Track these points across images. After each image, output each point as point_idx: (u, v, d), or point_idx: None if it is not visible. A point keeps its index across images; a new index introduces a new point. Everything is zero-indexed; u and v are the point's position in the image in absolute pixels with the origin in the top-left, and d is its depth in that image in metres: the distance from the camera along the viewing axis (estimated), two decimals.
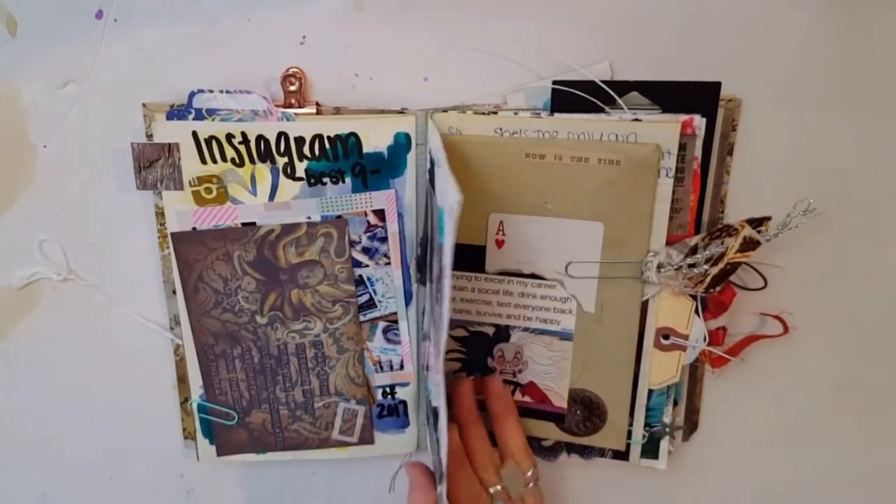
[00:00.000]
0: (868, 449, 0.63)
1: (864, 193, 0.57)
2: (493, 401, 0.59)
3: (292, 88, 0.55)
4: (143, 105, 0.55)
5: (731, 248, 0.51)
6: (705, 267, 0.52)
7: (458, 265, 0.58)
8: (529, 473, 0.57)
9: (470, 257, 0.57)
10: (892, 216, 0.58)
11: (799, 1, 0.54)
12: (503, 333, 0.59)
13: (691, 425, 0.62)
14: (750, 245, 0.51)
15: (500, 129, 0.54)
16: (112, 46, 0.55)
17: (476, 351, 0.60)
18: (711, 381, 0.61)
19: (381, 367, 0.60)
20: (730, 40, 0.54)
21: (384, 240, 0.57)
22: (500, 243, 0.56)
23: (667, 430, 0.60)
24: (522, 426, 0.59)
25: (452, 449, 0.57)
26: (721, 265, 0.52)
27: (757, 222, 0.52)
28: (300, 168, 0.55)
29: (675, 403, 0.60)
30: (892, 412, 0.62)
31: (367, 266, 0.58)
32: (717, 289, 0.53)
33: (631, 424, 0.60)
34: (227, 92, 0.54)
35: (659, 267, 0.54)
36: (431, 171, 0.52)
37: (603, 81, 0.53)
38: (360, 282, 0.58)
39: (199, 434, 0.61)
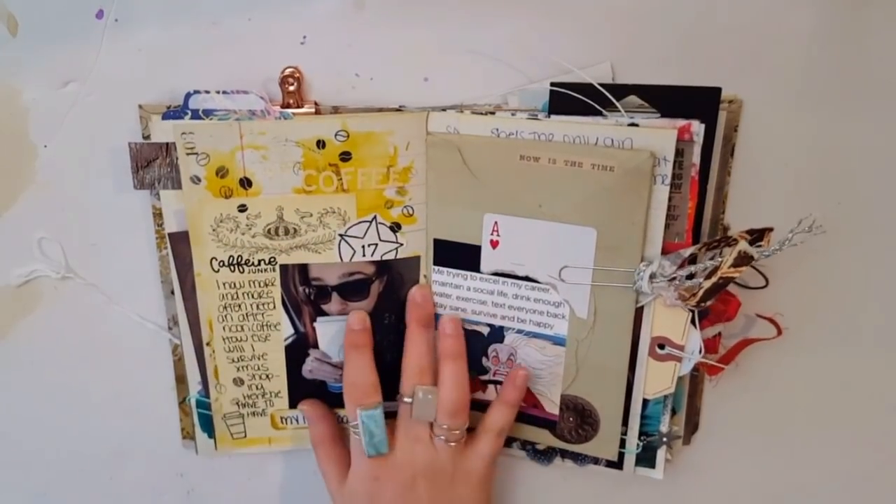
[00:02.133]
0: (868, 450, 0.63)
1: (865, 195, 0.57)
2: (440, 340, 0.58)
3: (291, 88, 0.55)
4: (140, 107, 0.55)
5: (725, 263, 0.50)
6: (700, 280, 0.52)
7: (453, 263, 0.58)
8: (456, 432, 0.56)
9: (465, 256, 0.57)
10: (892, 218, 0.57)
11: (801, 2, 0.53)
12: (497, 334, 0.59)
13: (692, 427, 0.62)
14: (744, 259, 0.50)
15: (497, 130, 0.54)
16: (112, 46, 0.55)
17: (471, 349, 0.59)
18: (713, 386, 0.61)
19: None
20: (732, 41, 0.54)
21: None
22: (494, 244, 0.56)
23: (664, 439, 0.59)
24: (467, 378, 0.58)
25: (353, 329, 0.57)
26: (714, 279, 0.50)
27: (758, 234, 0.51)
28: None
29: (674, 412, 0.59)
30: (892, 413, 0.62)
31: None
32: (708, 303, 0.52)
33: (625, 433, 0.59)
34: (224, 92, 0.54)
35: (651, 277, 0.53)
36: None
37: (601, 84, 0.52)
38: None
39: (197, 428, 0.61)
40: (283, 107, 0.55)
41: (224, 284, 0.56)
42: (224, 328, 0.57)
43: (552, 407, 0.59)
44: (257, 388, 0.59)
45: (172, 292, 0.58)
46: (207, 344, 0.58)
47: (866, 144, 0.56)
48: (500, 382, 0.60)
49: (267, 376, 0.59)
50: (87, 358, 0.62)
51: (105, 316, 0.61)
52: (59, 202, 0.58)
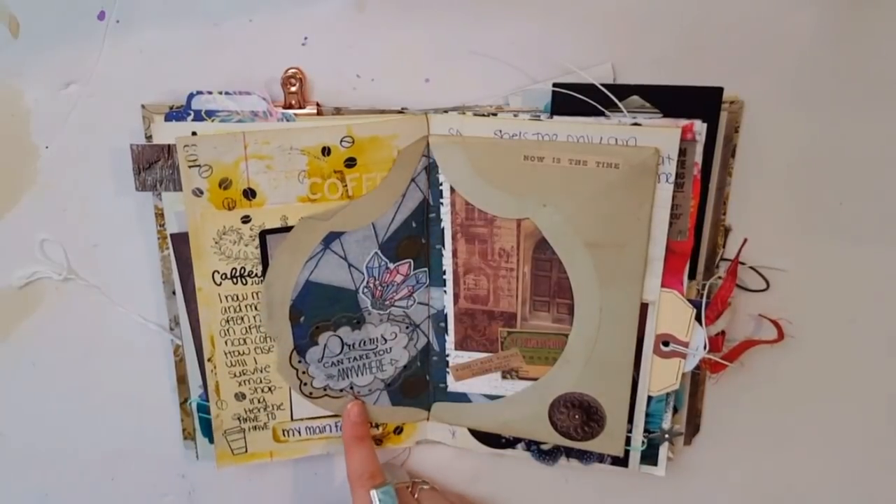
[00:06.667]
0: (869, 452, 0.63)
1: (866, 195, 0.57)
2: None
3: (293, 89, 0.55)
4: (143, 107, 0.55)
5: None
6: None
7: None
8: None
9: None
10: (893, 218, 0.57)
11: (802, 3, 0.53)
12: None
13: (693, 428, 0.62)
14: None
15: (500, 131, 0.54)
16: (114, 48, 0.55)
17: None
18: (713, 384, 0.61)
19: None
20: (733, 42, 0.54)
21: None
22: None
23: (666, 436, 0.59)
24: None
25: (352, 421, 0.60)
26: None
27: None
28: None
29: (676, 410, 0.59)
30: (893, 414, 0.62)
31: None
32: None
33: (630, 431, 0.59)
34: (227, 93, 0.54)
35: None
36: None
37: (604, 85, 0.52)
38: None
39: (198, 434, 0.61)
40: (285, 107, 0.55)
41: (226, 297, 0.55)
42: (226, 342, 0.56)
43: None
44: (259, 401, 0.59)
45: (174, 293, 0.58)
46: (209, 360, 0.57)
47: (867, 145, 0.56)
48: None
49: (269, 389, 0.59)
50: (88, 359, 0.62)
51: (106, 317, 0.61)
52: (60, 203, 0.58)
